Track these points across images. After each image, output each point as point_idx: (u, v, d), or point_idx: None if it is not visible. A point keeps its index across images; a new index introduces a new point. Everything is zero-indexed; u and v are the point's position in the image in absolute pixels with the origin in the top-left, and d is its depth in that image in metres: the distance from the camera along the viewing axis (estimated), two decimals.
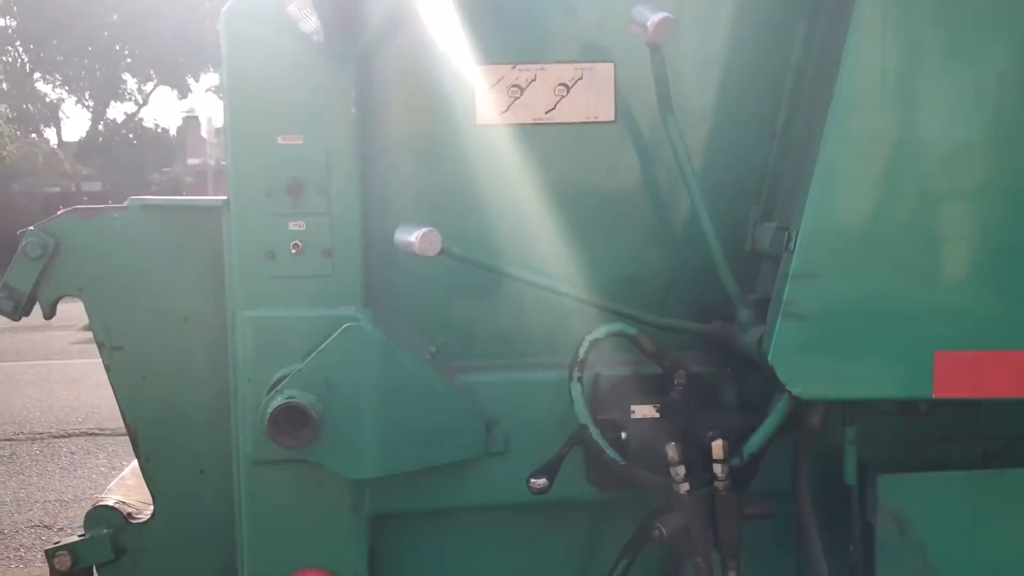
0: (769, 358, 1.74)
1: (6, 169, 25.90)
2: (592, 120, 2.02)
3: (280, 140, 1.85)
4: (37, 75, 37.28)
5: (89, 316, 2.08)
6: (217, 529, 2.11)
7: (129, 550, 2.13)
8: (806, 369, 1.76)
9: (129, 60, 37.05)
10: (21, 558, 6.31)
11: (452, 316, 2.03)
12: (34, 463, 8.40)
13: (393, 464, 1.86)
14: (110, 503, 2.17)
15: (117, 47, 36.37)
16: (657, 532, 1.78)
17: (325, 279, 1.89)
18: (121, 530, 2.13)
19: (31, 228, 2.05)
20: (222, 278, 2.01)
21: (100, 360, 2.21)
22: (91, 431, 9.40)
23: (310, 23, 1.70)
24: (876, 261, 1.75)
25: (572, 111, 2.01)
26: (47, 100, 38.10)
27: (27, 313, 2.09)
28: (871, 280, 1.76)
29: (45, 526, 6.88)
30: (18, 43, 35.79)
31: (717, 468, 1.81)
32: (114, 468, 8.13)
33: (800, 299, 1.74)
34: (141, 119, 38.79)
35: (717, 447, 1.80)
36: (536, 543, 2.10)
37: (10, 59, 34.25)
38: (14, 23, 34.38)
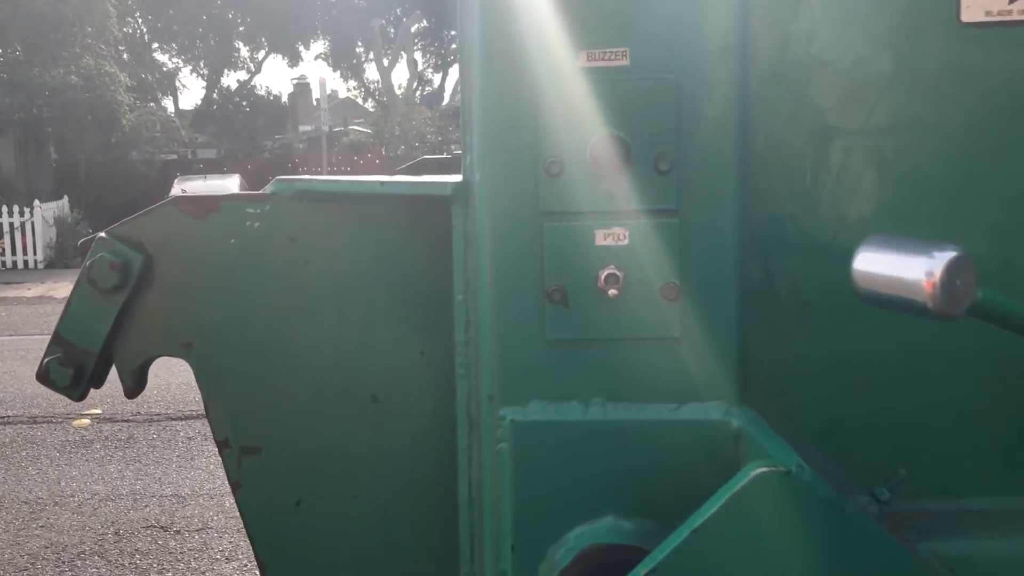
0: None
1: (126, 137, 26.26)
2: None
3: None
4: (155, 45, 38.05)
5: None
6: None
7: None
8: None
9: (241, 28, 37.39)
10: (136, 566, 5.71)
11: (887, 417, 1.05)
12: (151, 449, 7.95)
13: None
14: None
15: (230, 16, 36.71)
16: None
17: (665, 346, 0.94)
18: None
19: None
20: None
21: None
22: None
23: None
24: None
25: None
26: (164, 69, 38.87)
27: None
28: None
29: (162, 527, 6.32)
30: (137, 14, 36.55)
31: None
32: None
33: None
34: (254, 87, 39.14)
35: None
36: None
37: (130, 30, 34.99)
38: None
